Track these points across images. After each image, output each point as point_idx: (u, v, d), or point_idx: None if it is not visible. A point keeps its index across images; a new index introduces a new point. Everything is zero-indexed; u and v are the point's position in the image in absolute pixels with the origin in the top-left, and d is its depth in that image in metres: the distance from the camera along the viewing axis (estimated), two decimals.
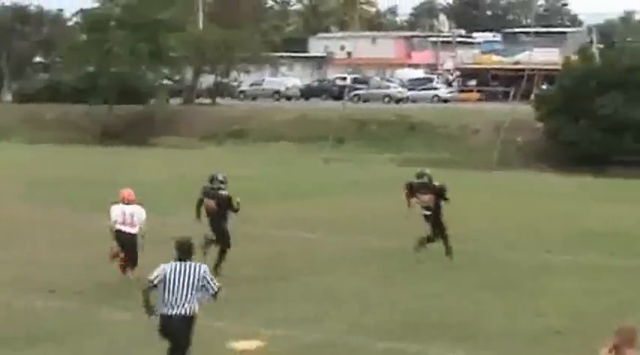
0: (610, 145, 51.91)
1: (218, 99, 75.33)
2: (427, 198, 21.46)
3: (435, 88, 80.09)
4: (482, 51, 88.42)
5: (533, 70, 72.99)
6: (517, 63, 78.85)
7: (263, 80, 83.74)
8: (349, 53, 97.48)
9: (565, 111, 54.91)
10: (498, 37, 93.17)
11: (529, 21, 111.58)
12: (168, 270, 11.74)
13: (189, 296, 11.67)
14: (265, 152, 54.43)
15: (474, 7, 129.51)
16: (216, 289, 11.86)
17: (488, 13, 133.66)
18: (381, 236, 24.43)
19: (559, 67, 63.29)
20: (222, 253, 19.61)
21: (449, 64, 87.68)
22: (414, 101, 75.50)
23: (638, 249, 23.19)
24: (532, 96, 69.95)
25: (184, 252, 11.89)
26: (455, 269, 20.39)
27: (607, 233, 25.33)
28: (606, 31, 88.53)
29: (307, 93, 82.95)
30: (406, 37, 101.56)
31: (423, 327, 15.63)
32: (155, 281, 11.76)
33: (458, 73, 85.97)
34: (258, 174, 40.56)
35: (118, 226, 18.98)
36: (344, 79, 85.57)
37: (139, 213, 19.09)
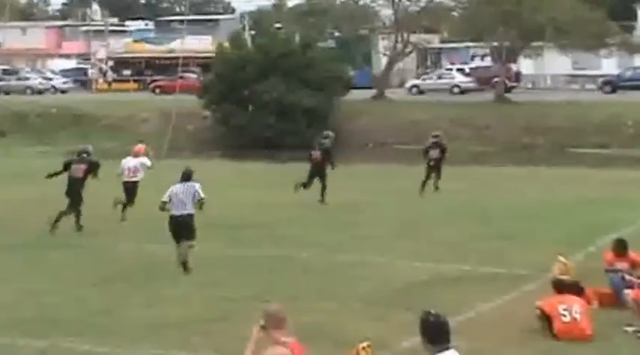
0: (284, 130, 52.35)
1: None
2: None
3: (27, 79, 77.39)
4: (134, 39, 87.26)
5: (186, 58, 72.66)
6: (171, 51, 78.23)
7: None
8: None
9: (230, 98, 55.18)
10: (151, 25, 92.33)
11: (184, 9, 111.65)
12: (174, 188, 18.57)
13: (188, 202, 18.37)
14: None
15: None
16: (201, 197, 18.44)
17: (142, 1, 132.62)
18: None
19: (213, 54, 63.78)
20: None
21: (101, 54, 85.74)
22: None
23: (250, 236, 22.18)
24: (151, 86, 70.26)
25: (184, 177, 18.71)
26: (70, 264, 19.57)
27: (227, 223, 23.55)
28: (259, 18, 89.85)
29: None
30: (57, 27, 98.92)
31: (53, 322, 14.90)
32: (165, 199, 18.50)
33: (111, 62, 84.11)
34: None
35: (124, 178, 24.32)
36: None
37: (141, 164, 24.39)
